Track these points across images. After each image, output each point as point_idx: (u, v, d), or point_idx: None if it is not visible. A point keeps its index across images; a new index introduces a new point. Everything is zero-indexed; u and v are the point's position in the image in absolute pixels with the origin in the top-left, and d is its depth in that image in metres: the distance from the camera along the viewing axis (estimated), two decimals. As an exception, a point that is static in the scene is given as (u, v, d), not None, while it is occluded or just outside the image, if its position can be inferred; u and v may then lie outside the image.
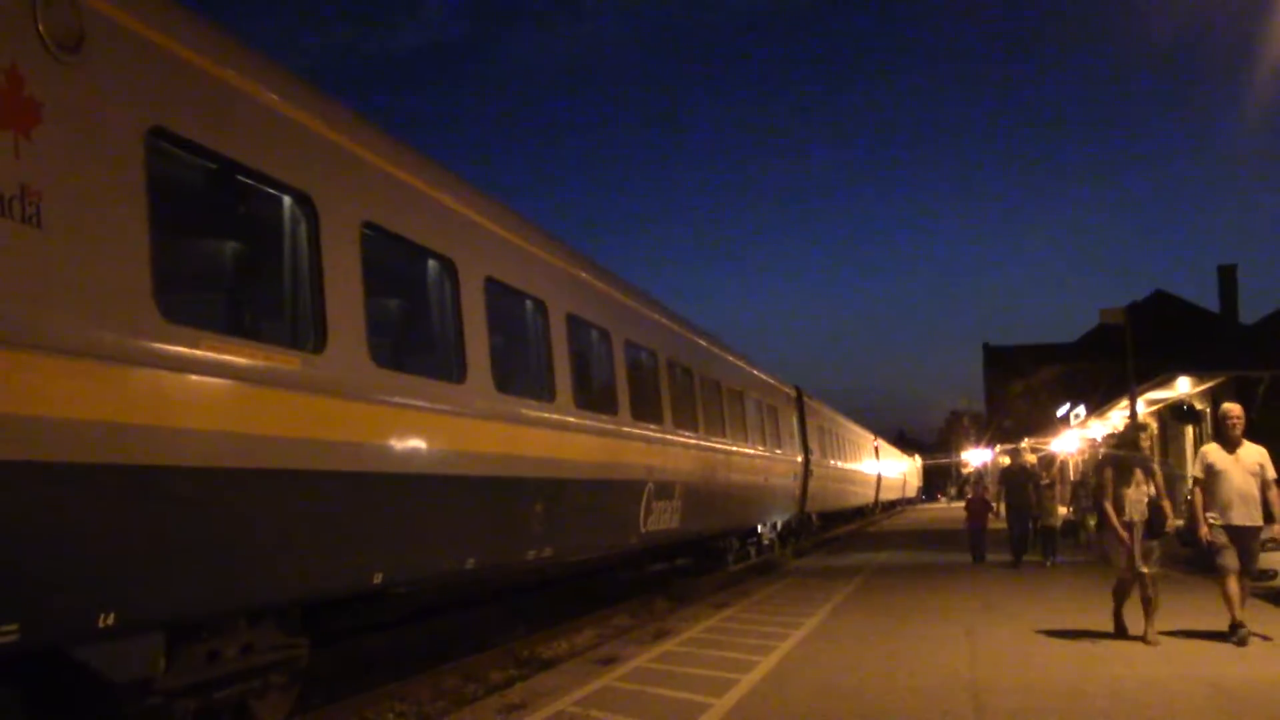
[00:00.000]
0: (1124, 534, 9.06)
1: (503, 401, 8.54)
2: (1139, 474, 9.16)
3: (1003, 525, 19.90)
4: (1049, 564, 17.56)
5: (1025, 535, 18.31)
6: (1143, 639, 8.89)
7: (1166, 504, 9.14)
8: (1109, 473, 9.35)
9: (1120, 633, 9.28)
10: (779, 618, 11.24)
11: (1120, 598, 9.39)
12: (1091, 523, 19.45)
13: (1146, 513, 9.01)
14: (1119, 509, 9.12)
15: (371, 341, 6.72)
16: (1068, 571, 16.48)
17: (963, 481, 79.77)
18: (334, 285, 6.42)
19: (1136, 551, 9.00)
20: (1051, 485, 19.84)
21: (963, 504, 24.83)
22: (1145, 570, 9.01)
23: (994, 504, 21.61)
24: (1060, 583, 14.71)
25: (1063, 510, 22.08)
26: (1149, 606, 9.04)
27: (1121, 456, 9.61)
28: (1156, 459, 9.74)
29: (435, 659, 9.35)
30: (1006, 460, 26.56)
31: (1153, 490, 9.13)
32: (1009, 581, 15.06)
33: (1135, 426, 10.18)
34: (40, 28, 4.49)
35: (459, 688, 8.52)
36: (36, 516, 4.38)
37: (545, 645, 10.59)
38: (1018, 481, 18.82)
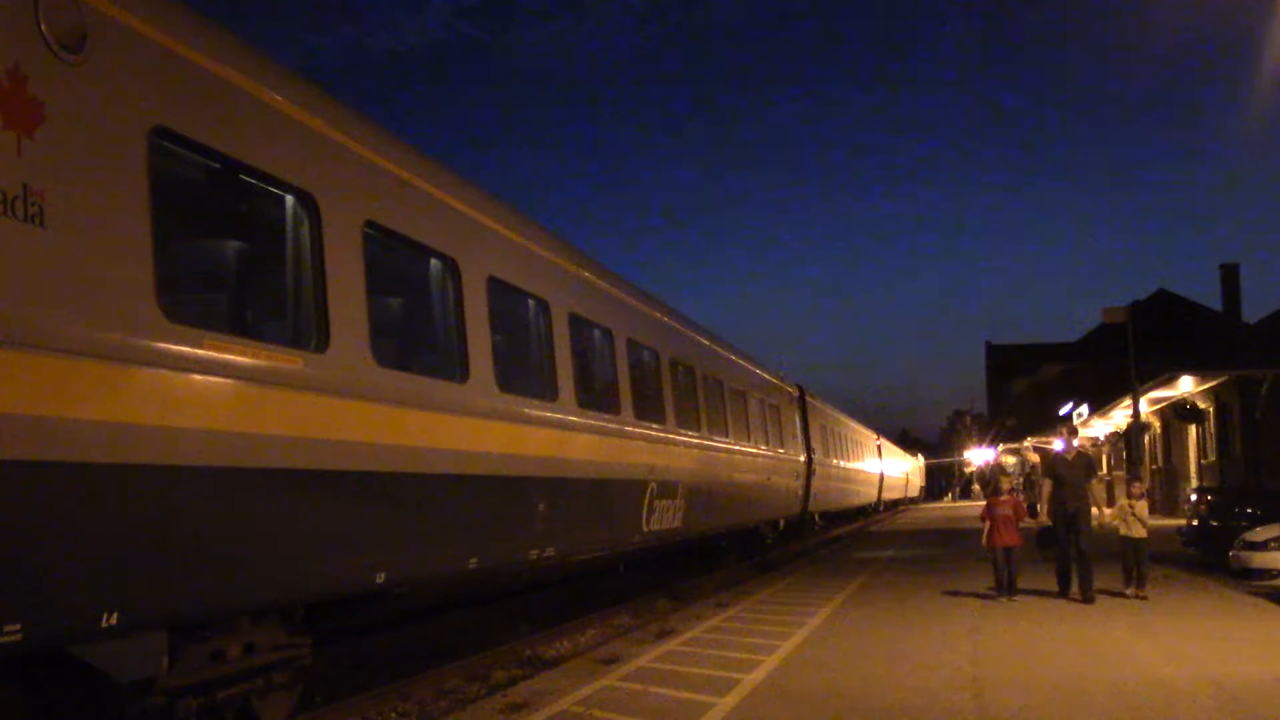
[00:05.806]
0: None
1: (505, 401, 8.53)
2: None
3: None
4: (1130, 593, 11.87)
5: (1082, 553, 12.08)
6: None
7: None
8: None
9: None
10: (781, 617, 11.23)
11: None
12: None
13: None
14: None
15: (374, 341, 6.71)
16: (1184, 606, 11.16)
17: (967, 482, 78.00)
18: (336, 285, 6.42)
19: None
20: (1139, 478, 14.85)
21: (979, 506, 14.91)
22: None
23: (1037, 507, 13.92)
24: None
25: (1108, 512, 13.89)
26: None
27: None
28: None
29: (438, 658, 9.35)
30: (1017, 453, 23.84)
31: None
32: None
33: None
34: (43, 27, 4.49)
35: (461, 687, 8.52)
36: (39, 516, 4.38)
37: (547, 645, 10.59)
38: (1079, 475, 12.29)
